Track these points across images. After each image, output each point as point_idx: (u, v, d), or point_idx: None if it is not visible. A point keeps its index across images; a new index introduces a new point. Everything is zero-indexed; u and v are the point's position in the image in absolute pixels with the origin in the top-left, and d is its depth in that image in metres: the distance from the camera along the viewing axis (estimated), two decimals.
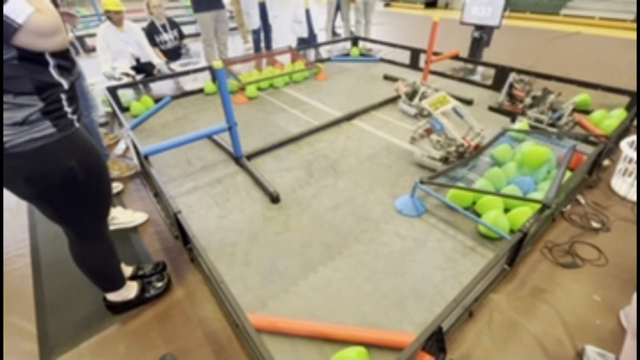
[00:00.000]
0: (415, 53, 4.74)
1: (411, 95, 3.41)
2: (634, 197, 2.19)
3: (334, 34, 6.47)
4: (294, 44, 5.34)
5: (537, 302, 1.59)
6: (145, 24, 4.33)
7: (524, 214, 1.86)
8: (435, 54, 4.02)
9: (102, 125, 3.34)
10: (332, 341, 1.40)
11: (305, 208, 2.18)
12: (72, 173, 1.11)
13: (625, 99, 3.16)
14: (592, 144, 2.71)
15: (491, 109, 3.42)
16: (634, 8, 7.49)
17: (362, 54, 5.54)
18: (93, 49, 5.59)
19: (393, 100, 3.68)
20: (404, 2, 12.05)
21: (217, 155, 2.81)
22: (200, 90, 4.15)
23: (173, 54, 4.55)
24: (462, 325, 1.48)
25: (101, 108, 3.52)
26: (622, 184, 2.25)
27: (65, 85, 1.07)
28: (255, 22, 5.17)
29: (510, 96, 3.36)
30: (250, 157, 2.70)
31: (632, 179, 2.19)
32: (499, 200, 1.99)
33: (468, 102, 3.61)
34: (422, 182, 2.09)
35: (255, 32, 5.35)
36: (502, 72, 3.81)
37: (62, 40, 0.99)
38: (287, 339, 1.42)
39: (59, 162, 1.07)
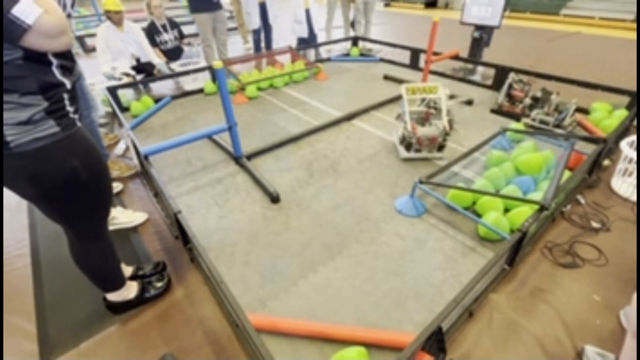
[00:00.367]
0: (415, 53, 4.74)
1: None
2: (634, 197, 2.19)
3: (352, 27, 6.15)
4: (294, 44, 5.34)
5: (537, 302, 1.59)
6: (145, 24, 4.34)
7: (524, 213, 1.86)
8: (435, 54, 4.02)
9: (102, 125, 3.34)
10: (332, 341, 1.40)
11: (305, 208, 2.18)
12: (75, 172, 1.11)
13: (625, 99, 3.17)
14: (590, 141, 2.70)
15: (492, 111, 3.41)
16: (634, 8, 7.49)
17: (362, 54, 5.54)
18: (93, 49, 5.59)
19: (393, 100, 3.68)
20: (404, 2, 12.05)
21: (217, 155, 2.81)
22: (200, 90, 4.15)
23: (173, 54, 4.56)
24: (462, 325, 1.48)
25: (101, 108, 3.52)
26: (622, 184, 2.25)
27: (68, 85, 1.07)
28: (255, 22, 5.17)
29: (510, 97, 3.36)
30: (250, 157, 2.70)
31: (632, 179, 2.19)
32: (498, 201, 1.99)
33: (468, 103, 3.61)
34: (421, 182, 2.09)
35: (256, 32, 5.35)
36: (502, 72, 3.81)
37: (68, 41, 1.00)
38: (287, 339, 1.43)
39: (62, 161, 1.08)
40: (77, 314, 1.58)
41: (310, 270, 1.74)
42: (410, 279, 1.68)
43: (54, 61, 1.02)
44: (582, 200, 2.21)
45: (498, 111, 3.37)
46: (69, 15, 1.14)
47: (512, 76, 3.35)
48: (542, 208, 1.73)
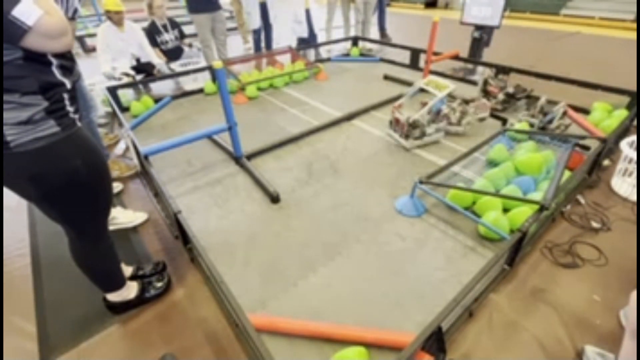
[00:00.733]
0: (415, 53, 4.74)
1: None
2: (634, 197, 2.19)
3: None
4: (294, 44, 5.34)
5: (537, 302, 1.59)
6: (145, 24, 4.34)
7: (524, 213, 1.85)
8: (435, 54, 4.02)
9: (102, 125, 3.34)
10: (332, 341, 1.40)
11: (305, 208, 2.18)
12: (75, 172, 1.11)
13: (625, 99, 3.17)
14: (582, 145, 2.71)
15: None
16: (634, 8, 7.49)
17: (362, 54, 5.54)
18: (93, 49, 5.58)
19: (393, 100, 3.67)
20: (404, 2, 12.05)
21: (217, 155, 2.81)
22: (200, 90, 4.15)
23: (173, 54, 4.56)
24: (462, 325, 1.48)
25: (101, 108, 3.52)
26: (622, 184, 2.25)
27: (68, 84, 1.07)
28: (256, 22, 5.17)
29: (485, 92, 3.37)
30: (250, 157, 2.70)
31: (632, 179, 2.19)
32: (498, 201, 1.99)
33: (468, 103, 3.60)
34: (421, 182, 2.09)
35: (256, 32, 5.35)
36: (502, 72, 3.81)
37: (69, 42, 1.00)
38: (287, 339, 1.43)
39: (62, 161, 1.08)
40: (77, 314, 1.58)
41: (310, 270, 1.74)
42: (410, 279, 1.68)
43: (54, 61, 1.02)
44: (582, 200, 2.21)
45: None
46: (72, 18, 1.14)
47: (487, 72, 3.36)
48: (542, 208, 1.73)
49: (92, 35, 6.23)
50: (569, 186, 2.11)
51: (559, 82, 3.52)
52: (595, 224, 2.02)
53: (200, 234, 1.82)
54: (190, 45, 4.75)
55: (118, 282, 1.51)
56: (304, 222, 2.07)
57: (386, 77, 4.43)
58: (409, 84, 4.15)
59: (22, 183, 1.07)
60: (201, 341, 1.46)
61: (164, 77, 4.09)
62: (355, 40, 5.63)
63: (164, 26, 4.38)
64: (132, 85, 3.84)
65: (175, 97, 3.96)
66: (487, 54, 4.73)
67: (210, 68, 4.14)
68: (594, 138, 2.52)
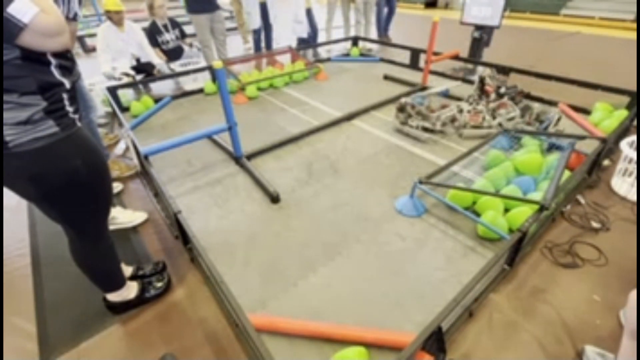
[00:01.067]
0: (415, 53, 4.74)
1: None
2: (634, 197, 2.19)
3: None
4: (294, 43, 5.34)
5: (537, 302, 1.59)
6: (145, 24, 4.34)
7: (524, 213, 1.86)
8: (435, 54, 4.02)
9: (102, 125, 3.35)
10: (332, 341, 1.40)
11: (305, 208, 2.18)
12: (75, 172, 1.11)
13: (625, 99, 3.17)
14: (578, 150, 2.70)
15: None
16: (634, 8, 7.49)
17: (362, 54, 5.54)
18: (93, 49, 5.59)
19: (393, 100, 3.68)
20: (404, 2, 12.04)
21: (217, 155, 2.81)
22: (200, 90, 4.15)
23: (174, 54, 4.56)
24: (462, 325, 1.48)
25: (101, 108, 3.52)
26: (622, 184, 2.25)
27: (67, 84, 1.07)
28: (256, 22, 5.17)
29: (482, 91, 3.36)
30: (250, 157, 2.70)
31: (632, 179, 2.19)
32: (498, 201, 1.99)
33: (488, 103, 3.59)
34: (421, 182, 2.09)
35: (256, 32, 5.35)
36: (502, 73, 3.81)
37: (66, 41, 1.00)
38: (287, 339, 1.43)
39: (62, 161, 1.08)
40: (77, 314, 1.58)
41: (310, 270, 1.74)
42: (410, 279, 1.68)
43: (53, 61, 1.01)
44: (582, 200, 2.21)
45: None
46: (74, 18, 1.13)
47: (487, 71, 3.36)
48: (542, 208, 1.73)
49: (92, 35, 6.23)
50: (569, 186, 2.11)
51: (559, 82, 3.52)
52: (595, 224, 2.02)
53: (200, 234, 1.83)
54: (190, 45, 4.76)
55: (118, 282, 1.51)
56: (304, 222, 2.07)
57: (386, 77, 4.44)
58: (409, 84, 4.16)
59: (22, 183, 1.07)
60: (201, 341, 1.46)
61: (164, 77, 4.09)
62: (355, 40, 5.63)
63: (165, 26, 4.38)
64: (132, 85, 3.84)
65: (175, 97, 3.96)
66: (487, 54, 4.73)
67: (210, 68, 4.14)
68: (594, 138, 2.52)
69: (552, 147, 2.59)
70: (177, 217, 1.75)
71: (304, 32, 5.34)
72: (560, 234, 1.97)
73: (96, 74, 3.92)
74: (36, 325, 1.55)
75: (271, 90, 4.20)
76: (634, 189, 2.19)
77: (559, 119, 2.80)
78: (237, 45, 6.46)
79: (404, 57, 4.92)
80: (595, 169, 2.41)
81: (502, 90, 3.13)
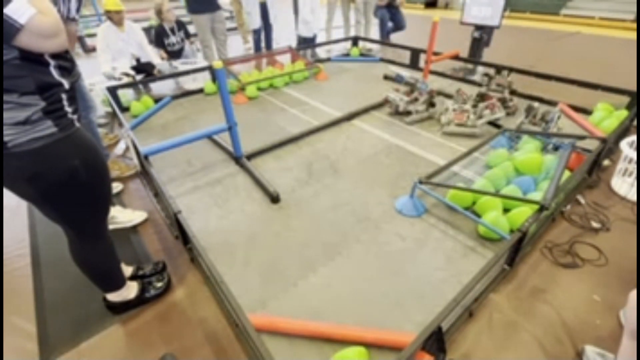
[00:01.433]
0: (415, 53, 4.74)
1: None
2: (634, 197, 2.19)
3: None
4: (294, 43, 5.33)
5: (537, 302, 1.59)
6: (145, 24, 4.34)
7: (524, 213, 1.86)
8: (435, 54, 4.02)
9: (102, 125, 3.34)
10: (332, 341, 1.40)
11: (305, 208, 2.18)
12: (74, 172, 1.11)
13: (625, 99, 3.17)
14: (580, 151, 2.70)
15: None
16: (634, 8, 7.49)
17: (362, 54, 5.54)
18: (93, 49, 5.58)
19: None
20: (404, 2, 12.04)
21: (217, 155, 2.81)
22: (200, 90, 4.15)
23: (176, 54, 4.60)
24: (462, 325, 1.48)
25: (101, 108, 3.52)
26: (622, 184, 2.25)
27: (66, 85, 1.07)
28: (256, 22, 5.17)
29: (482, 98, 3.35)
30: (250, 157, 2.70)
31: (632, 179, 2.19)
32: (498, 201, 1.99)
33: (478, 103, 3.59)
34: (421, 182, 2.09)
35: (256, 32, 5.35)
36: (501, 72, 3.80)
37: (63, 42, 1.00)
38: (287, 339, 1.43)
39: (61, 161, 1.08)
40: (77, 314, 1.58)
41: (310, 270, 1.74)
42: (410, 279, 1.68)
43: (52, 61, 1.02)
44: (582, 200, 2.21)
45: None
46: (73, 19, 1.14)
47: (503, 74, 3.38)
48: (542, 208, 1.73)
49: (92, 35, 6.23)
50: (569, 186, 2.11)
51: (559, 82, 3.52)
52: (595, 224, 2.02)
53: (200, 234, 1.83)
54: (192, 43, 4.80)
55: (118, 282, 1.51)
56: (304, 222, 2.07)
57: (386, 77, 4.44)
58: (409, 83, 4.15)
59: (21, 183, 1.07)
60: (201, 341, 1.46)
61: (164, 77, 4.09)
62: (355, 40, 5.63)
63: (172, 29, 4.42)
64: (132, 85, 3.84)
65: (175, 97, 3.96)
66: (487, 54, 4.72)
67: (210, 68, 4.14)
68: (594, 138, 2.52)
69: (551, 147, 2.59)
70: (177, 217, 1.75)
71: (310, 32, 5.32)
72: (560, 234, 1.97)
73: (96, 74, 3.92)
74: (36, 325, 1.55)
75: (271, 90, 4.20)
76: (634, 189, 2.19)
77: (559, 117, 2.80)
78: (237, 45, 6.46)
79: (404, 57, 4.91)
80: (595, 169, 2.41)
81: (499, 95, 3.15)
